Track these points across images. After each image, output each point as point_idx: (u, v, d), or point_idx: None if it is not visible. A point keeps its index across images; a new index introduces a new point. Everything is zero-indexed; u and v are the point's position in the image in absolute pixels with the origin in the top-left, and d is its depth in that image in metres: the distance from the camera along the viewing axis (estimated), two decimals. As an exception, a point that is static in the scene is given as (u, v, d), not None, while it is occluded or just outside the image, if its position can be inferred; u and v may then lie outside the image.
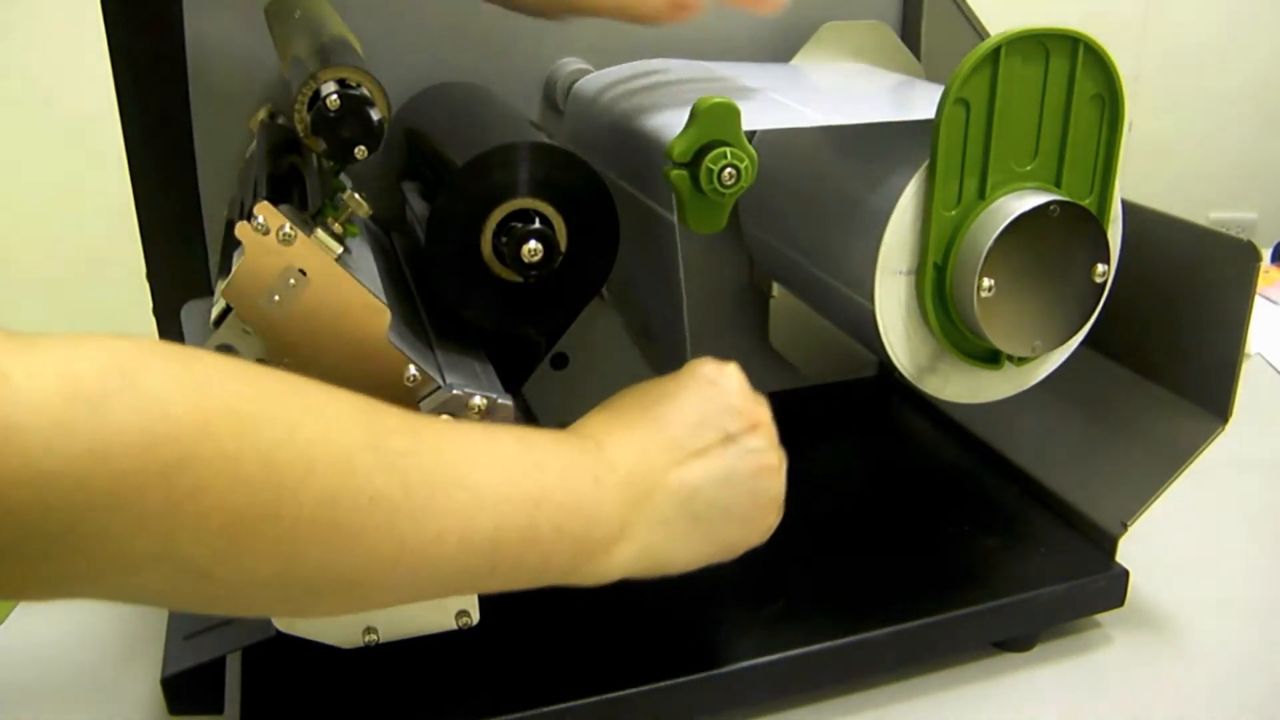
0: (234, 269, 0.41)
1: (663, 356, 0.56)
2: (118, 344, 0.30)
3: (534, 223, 0.46)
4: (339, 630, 0.46)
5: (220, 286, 0.42)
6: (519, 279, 0.47)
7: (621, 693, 0.49)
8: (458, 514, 0.37)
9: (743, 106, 0.47)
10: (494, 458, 0.39)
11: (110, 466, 0.28)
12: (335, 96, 0.43)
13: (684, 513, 0.44)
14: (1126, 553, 0.58)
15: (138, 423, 0.29)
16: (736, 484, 0.45)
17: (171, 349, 0.32)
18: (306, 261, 0.41)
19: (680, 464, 0.44)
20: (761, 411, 0.47)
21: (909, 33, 0.72)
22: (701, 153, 0.46)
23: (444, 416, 0.44)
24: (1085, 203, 0.51)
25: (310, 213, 0.44)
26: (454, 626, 0.47)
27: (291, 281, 0.41)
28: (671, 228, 0.49)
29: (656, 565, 0.44)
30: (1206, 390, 0.55)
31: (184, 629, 0.53)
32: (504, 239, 0.46)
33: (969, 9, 0.67)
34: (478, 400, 0.44)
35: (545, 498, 0.40)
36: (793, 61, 0.69)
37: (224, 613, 0.49)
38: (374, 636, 0.46)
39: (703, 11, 0.51)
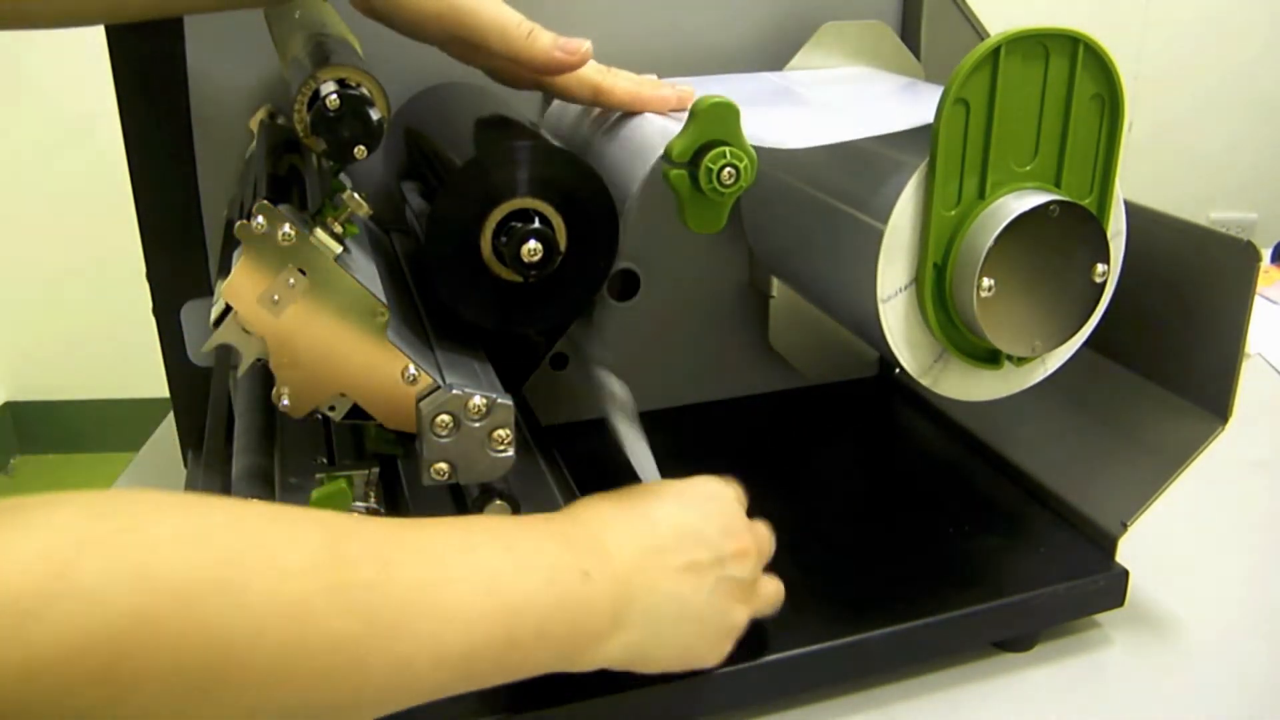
0: (234, 269, 0.41)
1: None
2: (57, 535, 0.29)
3: (534, 223, 0.46)
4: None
5: (220, 286, 0.42)
6: (518, 279, 0.47)
7: (621, 693, 0.49)
8: (428, 637, 0.36)
9: (747, 114, 0.47)
10: (470, 569, 0.39)
11: (46, 677, 0.28)
12: (335, 96, 0.43)
13: (669, 617, 0.45)
14: (1126, 553, 0.58)
15: (73, 628, 0.28)
16: (714, 605, 0.46)
17: (114, 523, 0.31)
18: (306, 261, 0.41)
19: (672, 572, 0.45)
20: (751, 539, 0.48)
21: (909, 33, 0.72)
22: (701, 152, 0.46)
23: (420, 520, 0.41)
24: (1085, 203, 0.51)
25: (310, 213, 0.44)
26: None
27: (291, 281, 0.41)
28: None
29: (641, 660, 0.45)
30: (1206, 390, 0.55)
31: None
32: (504, 239, 0.46)
33: (969, 9, 0.67)
34: (477, 400, 0.44)
35: (526, 605, 0.39)
36: (793, 61, 0.69)
37: None
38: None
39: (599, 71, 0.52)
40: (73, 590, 0.28)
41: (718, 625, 0.47)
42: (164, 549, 0.31)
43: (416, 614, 0.36)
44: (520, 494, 0.48)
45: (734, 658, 0.50)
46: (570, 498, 0.52)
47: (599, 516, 0.46)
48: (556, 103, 0.62)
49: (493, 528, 0.42)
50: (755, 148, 0.47)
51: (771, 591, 0.50)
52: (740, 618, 0.48)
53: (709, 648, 0.47)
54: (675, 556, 0.45)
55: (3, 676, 0.27)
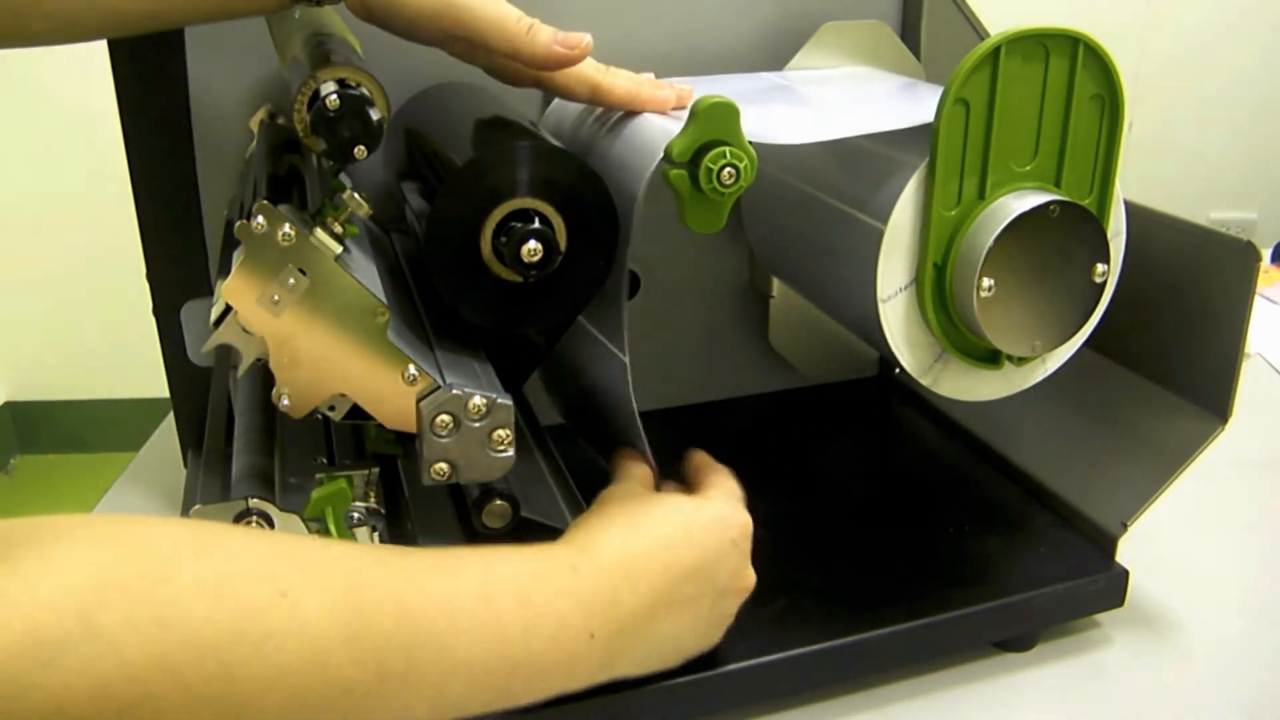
0: (234, 269, 0.41)
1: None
2: (78, 574, 0.29)
3: (534, 223, 0.46)
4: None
5: (220, 286, 0.42)
6: (518, 279, 0.47)
7: (621, 693, 0.49)
8: (432, 687, 0.37)
9: (746, 112, 0.47)
10: (484, 622, 0.39)
11: (64, 718, 0.28)
12: (335, 96, 0.43)
13: (655, 654, 0.46)
14: (1126, 553, 0.58)
15: (92, 672, 0.28)
16: (701, 634, 0.48)
17: (136, 567, 0.31)
18: (306, 261, 0.41)
19: (675, 615, 0.45)
20: (749, 579, 0.49)
21: (909, 33, 0.72)
22: (701, 152, 0.46)
23: (443, 557, 0.40)
24: (1085, 203, 0.51)
25: (310, 212, 0.44)
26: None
27: (291, 281, 0.41)
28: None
29: (616, 676, 0.46)
30: (1206, 390, 0.55)
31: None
32: (503, 239, 0.46)
33: (969, 9, 0.67)
34: (477, 400, 0.44)
35: (527, 660, 0.40)
36: (793, 61, 0.69)
37: None
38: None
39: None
40: (93, 635, 0.29)
41: (696, 645, 0.48)
42: (186, 599, 0.31)
43: (426, 663, 0.36)
44: (520, 494, 0.48)
45: (734, 657, 0.50)
46: (570, 498, 0.52)
47: (620, 560, 0.44)
48: (556, 102, 0.62)
49: (512, 579, 0.41)
50: (755, 146, 0.47)
51: (753, 582, 0.51)
52: (717, 638, 0.49)
53: (676, 660, 0.48)
54: (684, 603, 0.46)
55: (24, 716, 0.27)
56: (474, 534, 0.48)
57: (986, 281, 0.49)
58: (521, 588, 0.40)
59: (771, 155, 0.59)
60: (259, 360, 0.43)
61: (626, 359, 0.49)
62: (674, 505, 0.48)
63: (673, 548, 0.46)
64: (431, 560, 0.39)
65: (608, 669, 0.44)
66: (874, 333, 0.53)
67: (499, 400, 0.44)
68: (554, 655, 0.40)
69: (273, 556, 0.35)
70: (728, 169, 0.46)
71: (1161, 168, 2.26)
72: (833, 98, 0.62)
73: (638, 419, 0.51)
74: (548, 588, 0.41)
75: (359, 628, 0.34)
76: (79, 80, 1.94)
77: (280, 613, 0.33)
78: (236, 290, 0.41)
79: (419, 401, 0.44)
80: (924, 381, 0.54)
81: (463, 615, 0.38)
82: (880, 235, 0.50)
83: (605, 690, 0.48)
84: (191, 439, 0.67)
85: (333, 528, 0.44)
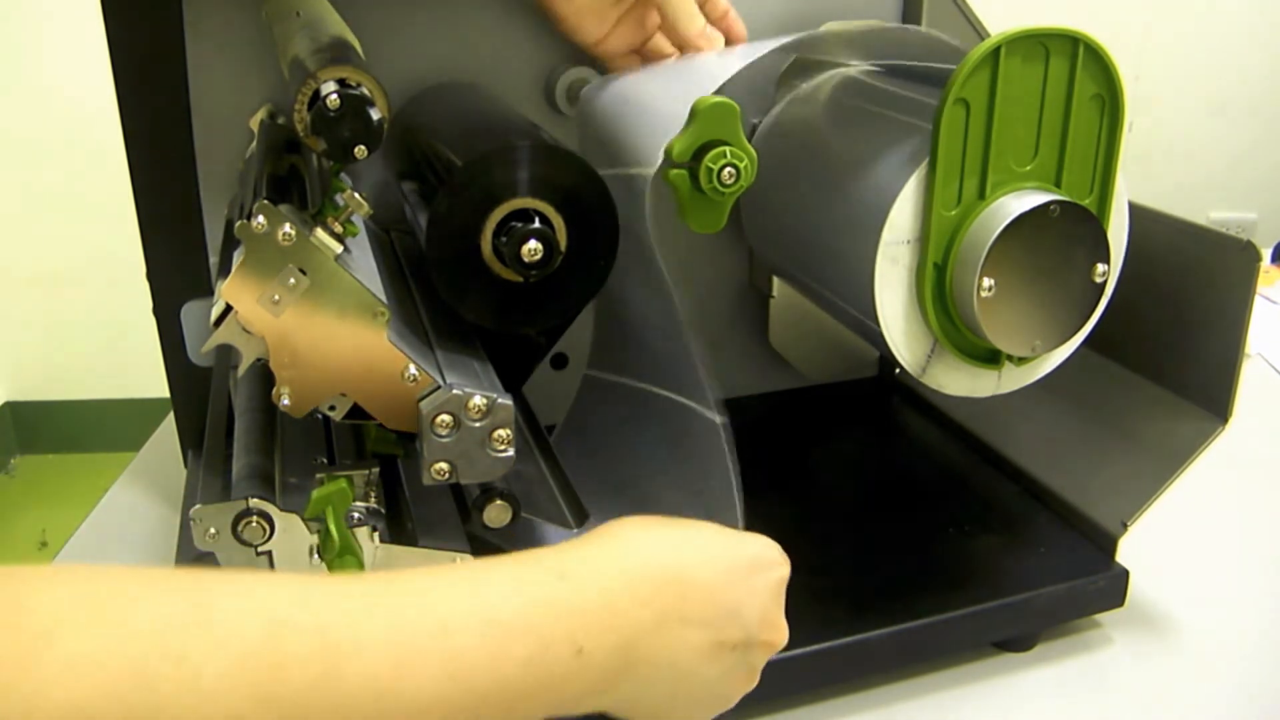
0: (234, 269, 0.41)
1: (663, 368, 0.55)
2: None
3: (534, 222, 0.46)
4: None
5: (220, 286, 0.42)
6: (519, 279, 0.47)
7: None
8: None
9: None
10: (438, 655, 0.34)
11: None
12: (335, 96, 0.43)
13: (664, 686, 0.40)
14: (1126, 553, 0.58)
15: None
16: (720, 684, 0.42)
17: (11, 642, 0.27)
18: (306, 261, 0.41)
19: (691, 648, 0.40)
20: (782, 633, 0.43)
21: (909, 33, 0.72)
22: (701, 152, 0.46)
23: (399, 582, 0.36)
24: (1085, 203, 0.51)
25: (310, 212, 0.44)
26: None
27: (291, 281, 0.41)
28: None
29: (625, 711, 0.40)
30: (1206, 390, 0.55)
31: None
32: (504, 239, 0.46)
33: (969, 9, 0.67)
34: (477, 400, 0.44)
35: (497, 689, 0.35)
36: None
37: None
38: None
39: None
40: None
41: (712, 701, 0.42)
42: (65, 677, 0.27)
43: (364, 711, 0.32)
44: (520, 494, 0.48)
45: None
46: (570, 498, 0.52)
47: (625, 566, 0.39)
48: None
49: (479, 599, 0.36)
50: (755, 147, 0.47)
51: (785, 637, 0.45)
52: (737, 696, 0.43)
53: (687, 709, 0.42)
54: (702, 633, 0.40)
55: None
56: (474, 534, 0.48)
57: (986, 281, 0.49)
58: (490, 607, 0.35)
59: (770, 157, 0.59)
60: (259, 360, 0.43)
61: (721, 420, 0.47)
62: (714, 529, 0.43)
63: (698, 566, 0.40)
64: (379, 591, 0.35)
65: (606, 690, 0.38)
66: (873, 333, 0.53)
67: (499, 400, 0.44)
68: (531, 679, 0.35)
69: (173, 614, 0.30)
70: (728, 169, 0.46)
71: (1161, 168, 2.26)
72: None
73: (736, 484, 0.47)
74: (523, 601, 0.36)
75: (274, 688, 0.30)
76: (78, 80, 1.94)
77: (177, 679, 0.29)
78: (236, 290, 0.41)
79: (419, 401, 0.44)
80: (923, 379, 0.54)
81: (411, 652, 0.33)
82: (878, 235, 0.50)
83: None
84: (191, 439, 0.67)
85: (333, 527, 0.44)
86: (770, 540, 0.44)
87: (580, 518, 0.50)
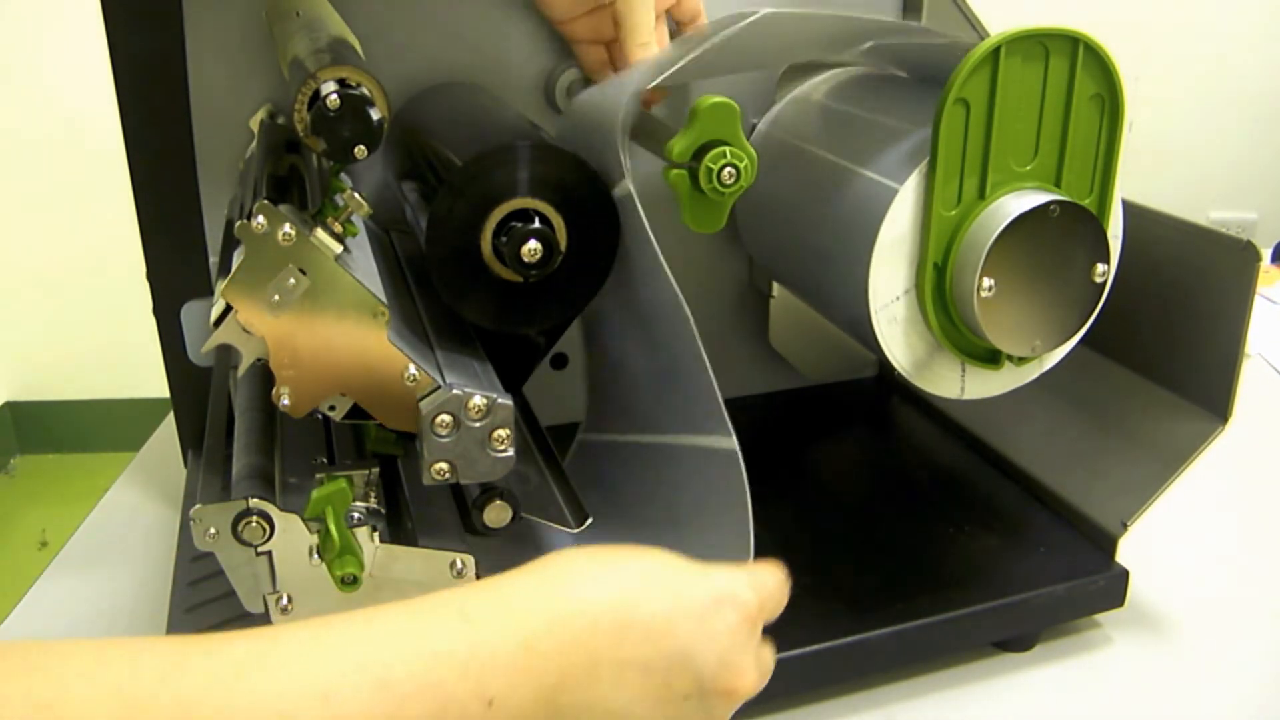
0: (234, 269, 0.41)
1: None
2: None
3: (533, 222, 0.46)
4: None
5: (220, 286, 0.42)
6: (519, 279, 0.47)
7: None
8: None
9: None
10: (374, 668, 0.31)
11: None
12: (335, 96, 0.43)
13: None
14: (1126, 553, 0.58)
15: None
16: None
17: None
18: (306, 261, 0.41)
19: (632, 692, 0.35)
20: (754, 674, 0.38)
21: (909, 33, 0.72)
22: (701, 152, 0.46)
23: (271, 657, 0.31)
24: (1085, 203, 0.51)
25: (310, 212, 0.44)
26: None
27: (291, 281, 0.41)
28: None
29: None
30: (1206, 390, 0.55)
31: (184, 629, 0.53)
32: (503, 239, 0.46)
33: (969, 9, 0.67)
34: (477, 400, 0.44)
35: None
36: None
37: None
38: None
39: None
40: None
41: None
42: None
43: None
44: (521, 495, 0.48)
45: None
46: (570, 498, 0.52)
47: (548, 600, 0.35)
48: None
49: (367, 655, 0.32)
50: (754, 147, 0.47)
51: (753, 684, 0.38)
52: None
53: None
54: (644, 679, 0.35)
55: None
56: (474, 534, 0.48)
57: (986, 281, 0.49)
58: (382, 665, 0.31)
59: (770, 155, 0.59)
60: (259, 360, 0.43)
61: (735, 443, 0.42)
62: (673, 561, 0.38)
63: (643, 602, 0.35)
64: (259, 653, 0.31)
65: None
66: (868, 337, 0.53)
67: (499, 400, 0.44)
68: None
69: (22, 710, 0.27)
70: (728, 169, 0.46)
71: (1161, 168, 2.26)
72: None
73: (749, 514, 0.43)
74: (420, 652, 0.32)
75: None
76: (78, 80, 1.94)
77: None
78: (236, 290, 0.41)
79: (419, 401, 0.44)
80: (918, 384, 0.54)
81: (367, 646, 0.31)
82: (874, 241, 0.50)
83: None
84: (191, 439, 0.67)
85: (333, 527, 0.44)
86: (751, 573, 0.39)
87: (580, 518, 0.50)
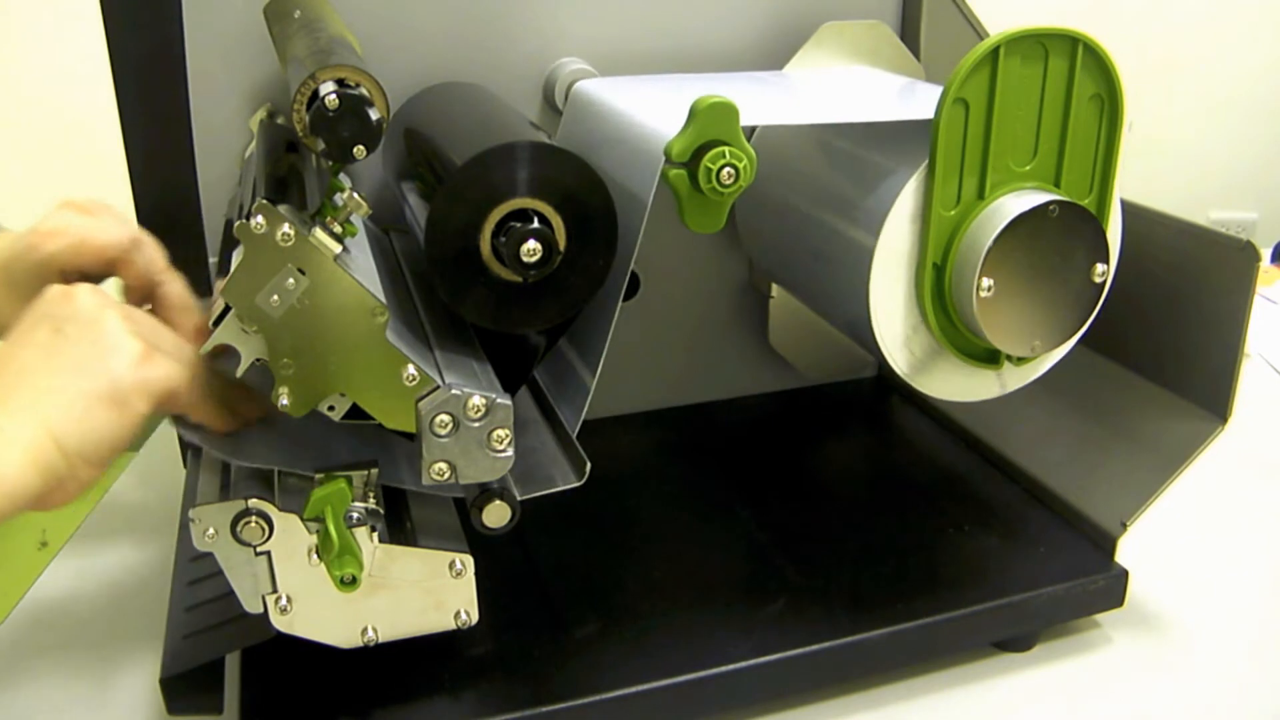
0: (234, 269, 0.41)
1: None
2: None
3: (533, 222, 0.46)
4: (338, 630, 0.46)
5: (220, 286, 0.42)
6: (518, 279, 0.47)
7: (622, 693, 0.49)
8: None
9: (743, 104, 0.47)
10: None
11: None
12: (334, 96, 0.43)
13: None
14: (1126, 553, 0.58)
15: None
16: (69, 345, 0.42)
17: None
18: (306, 261, 0.41)
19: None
20: (89, 297, 0.43)
21: (909, 33, 0.72)
22: (700, 152, 0.46)
23: None
24: (1085, 202, 0.51)
25: (310, 212, 0.44)
26: (453, 626, 0.47)
27: (291, 281, 0.41)
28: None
29: (56, 437, 0.40)
30: (1206, 390, 0.55)
31: (183, 629, 0.53)
32: (503, 239, 0.46)
33: (969, 9, 0.67)
34: (477, 400, 0.44)
35: None
36: (793, 61, 0.69)
37: None
38: (373, 636, 0.46)
39: None
40: None
41: (92, 351, 0.42)
42: None
43: None
44: (522, 469, 0.48)
45: (736, 657, 0.50)
46: (571, 452, 0.52)
47: None
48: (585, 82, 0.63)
49: None
50: (753, 148, 0.47)
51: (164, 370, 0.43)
52: (111, 333, 0.42)
53: (107, 366, 0.41)
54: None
55: None
56: (474, 534, 0.48)
57: (986, 281, 0.49)
58: None
59: (769, 156, 0.59)
60: (259, 360, 0.43)
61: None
62: None
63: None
64: None
65: None
66: (867, 338, 0.53)
67: (498, 400, 0.44)
68: None
69: None
70: (727, 169, 0.46)
71: (1161, 168, 2.26)
72: (829, 92, 0.62)
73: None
74: None
75: None
76: (78, 80, 1.94)
77: None
78: (236, 290, 0.41)
79: (418, 401, 0.44)
80: (917, 385, 0.54)
81: None
82: (872, 244, 0.50)
83: (605, 690, 0.48)
84: (191, 439, 0.67)
85: (332, 527, 0.44)
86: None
87: (580, 470, 0.49)
